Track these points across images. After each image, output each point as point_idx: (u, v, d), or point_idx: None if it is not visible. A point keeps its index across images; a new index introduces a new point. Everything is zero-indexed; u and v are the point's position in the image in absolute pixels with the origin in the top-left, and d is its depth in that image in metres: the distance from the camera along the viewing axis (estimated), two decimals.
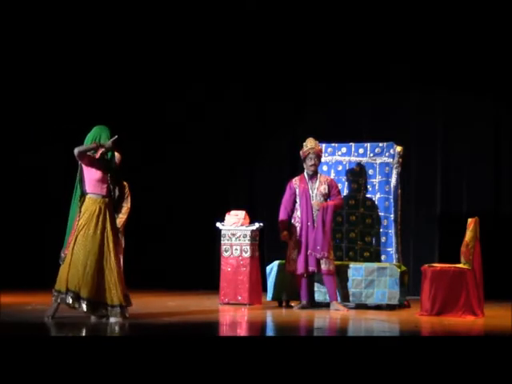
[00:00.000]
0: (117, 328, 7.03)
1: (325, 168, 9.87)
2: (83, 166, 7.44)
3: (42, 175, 11.94)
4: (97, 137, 7.46)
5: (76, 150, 7.36)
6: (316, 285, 9.32)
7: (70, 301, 7.25)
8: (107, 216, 7.44)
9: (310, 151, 9.18)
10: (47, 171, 11.91)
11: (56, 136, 11.87)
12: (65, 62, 12.00)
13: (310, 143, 9.20)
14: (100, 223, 7.38)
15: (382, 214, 9.68)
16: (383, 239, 9.66)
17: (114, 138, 7.46)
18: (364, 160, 9.81)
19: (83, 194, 7.45)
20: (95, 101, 11.88)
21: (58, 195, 10.88)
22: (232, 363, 5.39)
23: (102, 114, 11.28)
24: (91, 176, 7.42)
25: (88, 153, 7.42)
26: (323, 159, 9.64)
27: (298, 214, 9.19)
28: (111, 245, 7.41)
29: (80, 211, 7.41)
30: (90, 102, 11.87)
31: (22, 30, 11.83)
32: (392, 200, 9.66)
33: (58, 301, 7.33)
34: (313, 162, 9.19)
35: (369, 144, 9.84)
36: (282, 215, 9.26)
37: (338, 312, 8.83)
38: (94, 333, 6.76)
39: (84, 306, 7.26)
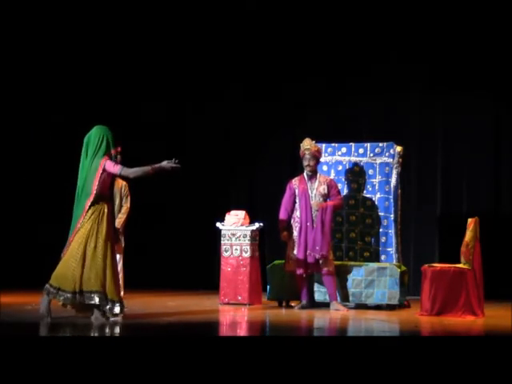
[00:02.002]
0: (117, 327, 7.04)
1: (325, 168, 9.87)
2: (101, 171, 7.40)
3: (42, 175, 11.94)
4: (103, 138, 7.44)
5: (132, 175, 7.41)
6: (316, 285, 9.33)
7: (70, 300, 7.26)
8: (114, 216, 7.48)
9: (306, 152, 9.18)
10: (47, 171, 11.90)
11: (56, 136, 11.88)
12: (64, 61, 12.01)
13: (305, 144, 9.19)
14: (109, 223, 7.40)
15: (382, 214, 9.68)
16: (383, 239, 9.66)
17: (174, 165, 7.47)
18: (364, 160, 9.81)
19: (93, 196, 7.42)
20: (95, 100, 11.88)
21: (58, 195, 10.92)
22: (232, 363, 5.39)
23: (101, 113, 11.30)
24: (105, 179, 7.42)
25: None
26: (323, 159, 9.64)
27: (297, 214, 9.19)
28: (112, 243, 7.44)
29: (86, 211, 7.39)
30: (90, 100, 11.87)
31: (22, 29, 11.83)
32: (392, 200, 9.66)
33: (60, 299, 7.31)
34: (307, 163, 9.18)
35: (369, 144, 9.84)
36: (282, 215, 9.27)
37: (338, 312, 8.83)
38: (94, 333, 6.76)
39: (117, 308, 7.31)
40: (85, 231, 7.33)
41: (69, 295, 7.25)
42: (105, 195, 7.45)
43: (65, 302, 7.32)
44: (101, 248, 7.31)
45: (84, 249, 7.30)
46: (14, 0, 11.57)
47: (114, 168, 7.37)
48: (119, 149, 7.55)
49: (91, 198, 7.38)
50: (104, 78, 12.03)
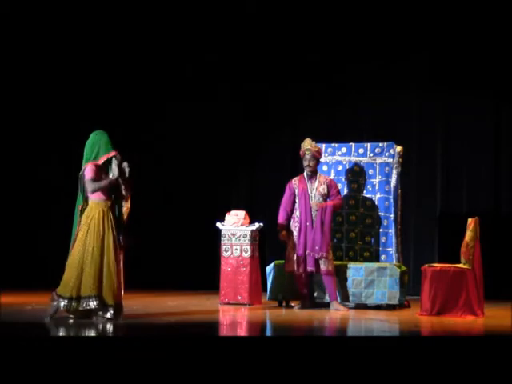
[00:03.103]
0: (117, 327, 7.04)
1: (325, 168, 9.87)
2: (84, 177, 7.45)
3: (42, 175, 11.93)
4: (94, 145, 7.47)
5: (91, 189, 7.41)
6: (316, 285, 9.32)
7: (73, 307, 7.28)
8: (110, 218, 7.48)
9: (306, 152, 9.19)
10: (48, 171, 11.90)
11: (56, 138, 11.87)
12: (64, 61, 12.00)
13: (306, 144, 9.20)
14: (104, 226, 7.40)
15: (382, 214, 9.68)
16: (383, 239, 9.66)
17: (122, 166, 7.48)
18: (364, 160, 9.81)
19: (86, 201, 7.46)
20: (95, 100, 11.87)
21: (58, 195, 10.91)
22: (232, 363, 5.39)
23: (101, 113, 11.31)
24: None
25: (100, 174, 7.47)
26: (323, 159, 9.64)
27: (297, 214, 9.19)
28: (111, 245, 7.43)
29: (81, 218, 7.43)
30: (90, 100, 11.86)
31: (22, 31, 11.83)
32: (392, 200, 9.66)
33: (59, 305, 7.33)
34: (307, 163, 9.19)
35: (369, 144, 9.84)
36: (281, 215, 9.27)
37: (338, 312, 8.83)
38: (94, 333, 6.76)
39: (109, 314, 7.31)
40: (82, 236, 7.40)
41: (67, 301, 7.28)
42: (99, 199, 7.46)
43: (67, 309, 7.35)
44: (98, 251, 7.33)
45: (82, 255, 7.35)
46: (14, 2, 11.57)
47: (87, 175, 7.41)
48: (112, 153, 7.51)
49: (83, 204, 7.50)
50: (104, 78, 12.01)
